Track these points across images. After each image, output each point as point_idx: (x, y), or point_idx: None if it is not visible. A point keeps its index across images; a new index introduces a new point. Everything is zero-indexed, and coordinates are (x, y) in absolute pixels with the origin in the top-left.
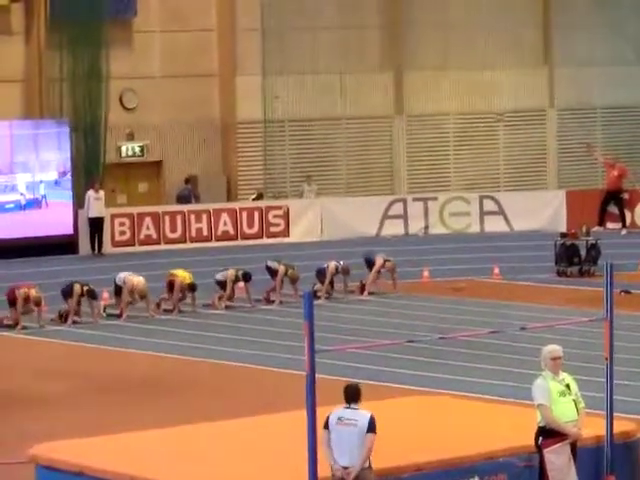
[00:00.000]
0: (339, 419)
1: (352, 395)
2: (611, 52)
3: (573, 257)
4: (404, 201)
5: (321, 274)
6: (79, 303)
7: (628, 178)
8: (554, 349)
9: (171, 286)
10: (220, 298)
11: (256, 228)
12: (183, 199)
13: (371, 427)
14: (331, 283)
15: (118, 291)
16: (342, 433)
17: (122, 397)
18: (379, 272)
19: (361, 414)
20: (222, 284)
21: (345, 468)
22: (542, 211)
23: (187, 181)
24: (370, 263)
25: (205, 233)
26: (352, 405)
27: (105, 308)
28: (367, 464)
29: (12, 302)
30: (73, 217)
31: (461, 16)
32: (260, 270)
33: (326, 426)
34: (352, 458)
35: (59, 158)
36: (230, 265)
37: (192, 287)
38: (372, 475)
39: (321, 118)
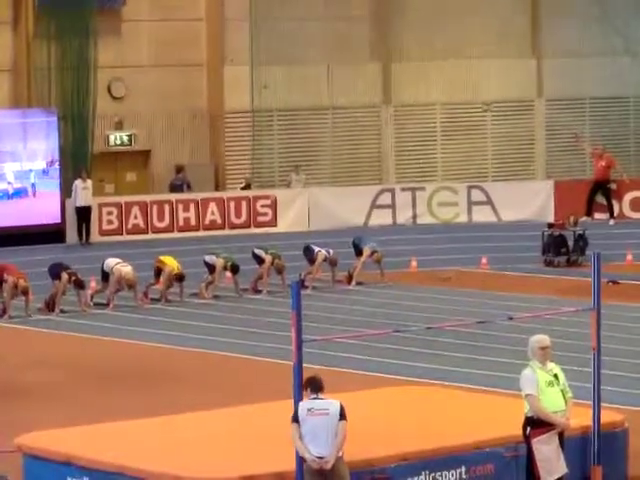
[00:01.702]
0: (309, 410)
1: (318, 385)
2: (600, 43)
3: (561, 247)
4: (392, 191)
5: (309, 252)
6: (64, 292)
7: (616, 168)
8: (542, 339)
9: (158, 272)
10: (207, 285)
11: (244, 217)
12: (176, 188)
13: (342, 414)
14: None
15: (105, 277)
16: (316, 424)
17: (109, 386)
18: (365, 262)
19: (330, 402)
20: (210, 267)
21: (321, 458)
22: (530, 201)
23: (179, 170)
24: (358, 249)
25: (193, 222)
26: (319, 395)
27: (92, 297)
28: (340, 452)
29: None
30: (61, 206)
31: (449, 6)
32: (247, 260)
33: (295, 419)
34: (330, 447)
35: (47, 147)
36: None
37: (180, 277)
38: (344, 464)
39: (309, 108)
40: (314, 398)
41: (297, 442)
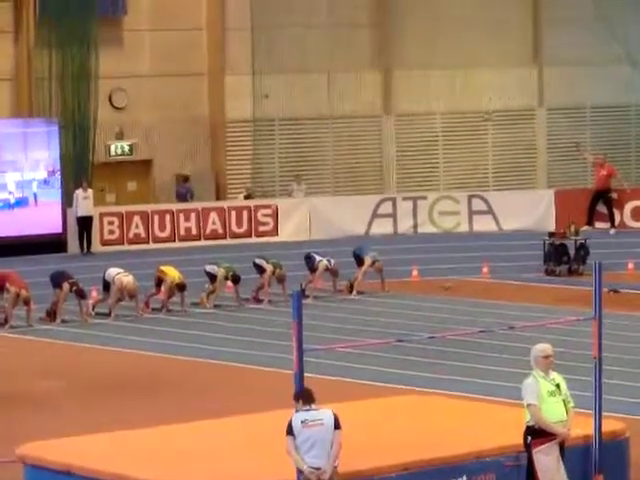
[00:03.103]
0: (303, 422)
1: (310, 397)
2: (600, 51)
3: (562, 256)
4: (393, 200)
5: (310, 261)
6: (65, 300)
7: (617, 177)
8: (545, 347)
9: (159, 282)
10: (208, 295)
11: (245, 227)
12: (180, 196)
13: (337, 424)
14: None
15: (107, 286)
16: (311, 435)
17: (110, 396)
18: (366, 272)
19: (324, 413)
20: (211, 276)
21: (318, 469)
22: (531, 210)
23: (185, 179)
24: (359, 259)
25: (194, 232)
26: (312, 406)
27: (94, 307)
28: (336, 462)
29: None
30: (62, 216)
31: (450, 15)
32: (249, 269)
33: (290, 432)
34: (326, 457)
35: (48, 157)
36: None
37: (181, 287)
38: (338, 475)
39: (310, 117)
40: (307, 409)
41: (293, 454)
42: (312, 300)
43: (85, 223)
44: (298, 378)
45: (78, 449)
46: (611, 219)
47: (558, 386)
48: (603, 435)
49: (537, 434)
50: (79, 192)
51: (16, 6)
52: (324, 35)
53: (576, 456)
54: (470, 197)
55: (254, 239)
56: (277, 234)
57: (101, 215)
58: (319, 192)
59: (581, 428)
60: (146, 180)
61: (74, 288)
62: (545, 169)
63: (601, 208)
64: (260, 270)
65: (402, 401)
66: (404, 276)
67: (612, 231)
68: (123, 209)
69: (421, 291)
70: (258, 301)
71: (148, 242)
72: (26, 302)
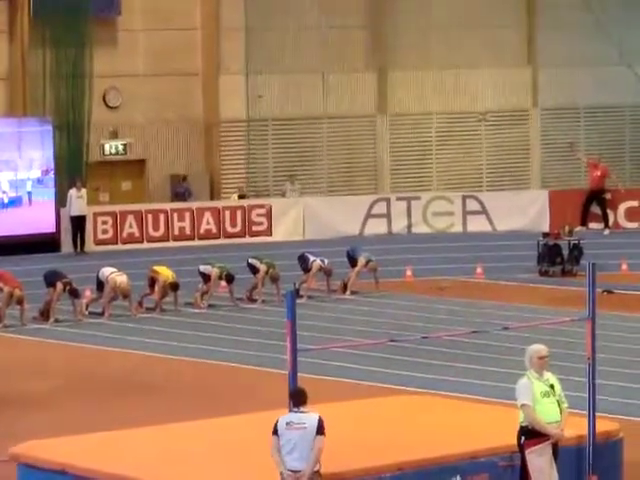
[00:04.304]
0: (287, 424)
1: (299, 398)
2: (594, 52)
3: (556, 257)
4: (387, 200)
5: (304, 261)
6: (59, 299)
7: (611, 178)
8: (541, 348)
9: (152, 282)
10: (202, 295)
11: (239, 227)
12: (178, 195)
13: (320, 429)
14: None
15: (100, 286)
16: (292, 437)
17: (104, 395)
18: (359, 272)
19: (309, 417)
20: (205, 276)
21: (296, 472)
22: (525, 211)
23: (184, 179)
24: (353, 259)
25: (188, 232)
26: (301, 408)
27: (87, 306)
28: (317, 467)
29: None
30: (56, 215)
31: (444, 16)
32: (242, 269)
33: (275, 432)
34: (305, 461)
35: (42, 156)
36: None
37: (174, 286)
38: (320, 479)
39: (304, 117)
40: (295, 411)
41: (274, 456)
42: (306, 300)
43: (79, 222)
44: (292, 378)
45: (72, 448)
46: (605, 220)
47: (552, 387)
48: (597, 436)
49: (531, 435)
50: (73, 191)
51: (10, 6)
52: (318, 35)
53: (570, 457)
54: (464, 197)
55: (248, 239)
56: (271, 234)
57: (95, 215)
58: (313, 192)
59: (575, 429)
60: (140, 180)
61: (68, 287)
62: (539, 170)
63: (595, 209)
64: (254, 270)
65: (396, 401)
66: (398, 276)
67: (606, 232)
68: (117, 209)
69: (415, 291)
70: (252, 301)
71: (142, 242)
72: (19, 301)
